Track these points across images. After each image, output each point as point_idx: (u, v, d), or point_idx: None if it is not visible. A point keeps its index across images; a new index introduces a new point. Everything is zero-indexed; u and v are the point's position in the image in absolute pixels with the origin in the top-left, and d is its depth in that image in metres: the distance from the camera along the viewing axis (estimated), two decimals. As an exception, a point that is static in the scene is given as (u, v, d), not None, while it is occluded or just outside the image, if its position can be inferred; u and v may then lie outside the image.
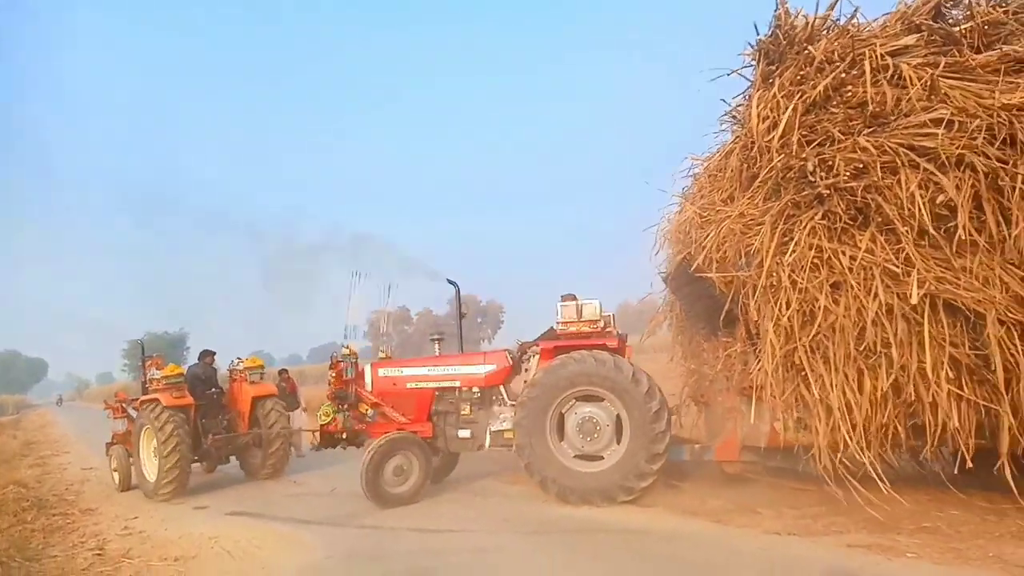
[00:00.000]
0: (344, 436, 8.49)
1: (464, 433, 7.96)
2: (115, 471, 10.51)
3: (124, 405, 11.12)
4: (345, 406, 8.78)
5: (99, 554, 6.49)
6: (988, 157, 5.16)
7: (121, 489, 10.21)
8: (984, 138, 5.19)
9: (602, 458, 7.08)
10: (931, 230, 5.29)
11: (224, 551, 6.23)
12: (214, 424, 10.16)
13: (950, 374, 5.31)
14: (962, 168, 5.22)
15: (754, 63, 6.65)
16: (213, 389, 10.54)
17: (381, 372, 8.50)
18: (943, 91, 5.45)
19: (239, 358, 10.94)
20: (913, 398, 5.47)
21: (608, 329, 7.61)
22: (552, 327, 7.81)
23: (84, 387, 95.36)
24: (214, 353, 11.04)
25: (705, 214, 6.98)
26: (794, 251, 5.72)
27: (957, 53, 5.68)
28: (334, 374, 9.18)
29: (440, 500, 7.74)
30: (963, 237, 5.16)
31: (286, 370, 14.27)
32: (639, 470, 6.83)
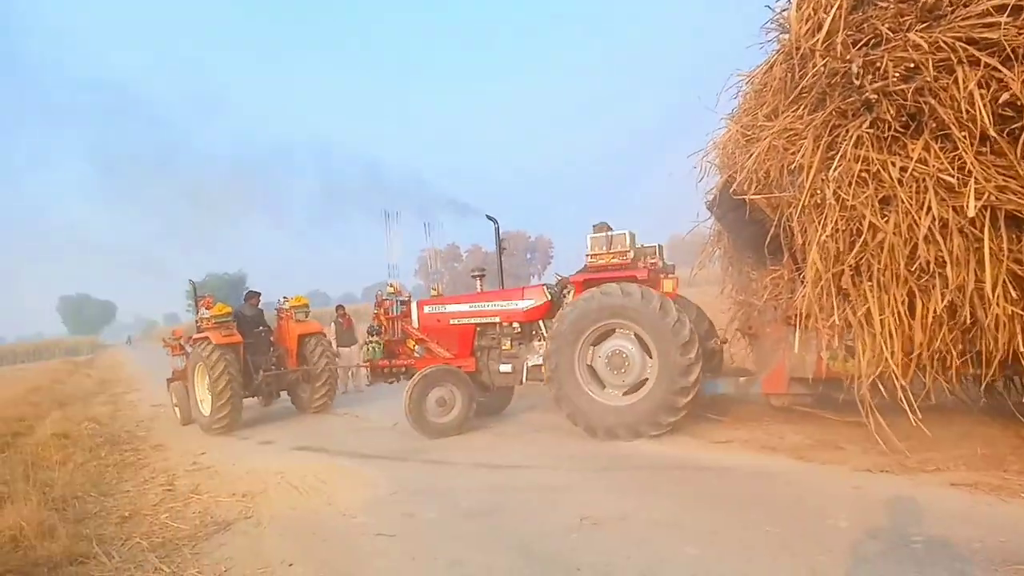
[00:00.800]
0: (390, 370, 8.73)
1: (506, 368, 8.03)
2: (176, 406, 11.02)
3: (181, 343, 11.64)
4: (380, 338, 9.14)
5: (169, 489, 6.59)
6: None
7: (183, 423, 10.65)
8: None
9: (631, 391, 6.95)
10: (992, 134, 4.70)
11: (290, 486, 6.26)
12: (263, 361, 10.41)
13: (1012, 293, 4.81)
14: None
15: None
16: (260, 327, 10.80)
17: (426, 309, 8.72)
18: None
19: (285, 297, 11.14)
20: (970, 321, 5.00)
21: (642, 260, 7.41)
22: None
23: (152, 327, 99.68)
24: (259, 294, 11.34)
25: (748, 132, 6.45)
26: (839, 164, 5.23)
27: None
28: (381, 311, 9.45)
29: (503, 435, 7.67)
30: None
31: (342, 307, 14.36)
32: (668, 403, 6.67)
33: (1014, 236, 4.84)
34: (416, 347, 8.86)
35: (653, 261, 7.60)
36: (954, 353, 5.21)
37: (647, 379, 6.86)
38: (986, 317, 4.91)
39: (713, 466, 5.75)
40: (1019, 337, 4.89)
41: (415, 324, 8.75)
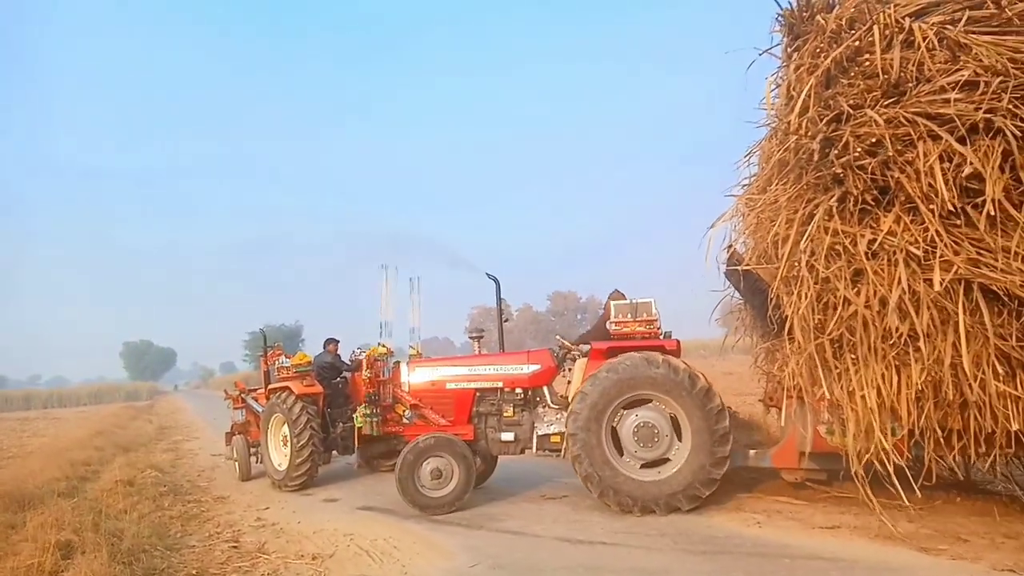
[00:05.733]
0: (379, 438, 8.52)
1: (507, 436, 7.61)
2: (235, 461, 10.53)
3: (243, 396, 11.12)
4: (377, 409, 8.73)
5: (235, 546, 6.42)
6: (1021, 119, 4.53)
7: (242, 479, 10.23)
8: (1015, 97, 4.57)
9: (661, 465, 6.70)
10: (957, 207, 4.72)
11: (361, 550, 6.02)
12: (341, 413, 9.80)
13: (1000, 370, 4.70)
14: (991, 134, 4.62)
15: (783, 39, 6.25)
16: (339, 377, 10.34)
17: (418, 371, 8.16)
18: (970, 48, 4.85)
19: (359, 348, 10.40)
20: (952, 397, 4.90)
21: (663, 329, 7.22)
22: (602, 326, 7.46)
23: (208, 376, 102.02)
24: (337, 341, 10.80)
25: (747, 205, 6.49)
26: (811, 237, 5.31)
27: (992, 4, 5.00)
28: (370, 374, 9.05)
29: (577, 506, 7.17)
30: (992, 212, 4.54)
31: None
32: (705, 475, 6.44)
33: (996, 310, 4.75)
34: (407, 412, 8.22)
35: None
36: (939, 432, 5.10)
37: (675, 452, 6.64)
38: (972, 394, 4.80)
39: (827, 556, 5.17)
40: (1016, 417, 4.74)
41: (405, 388, 8.16)
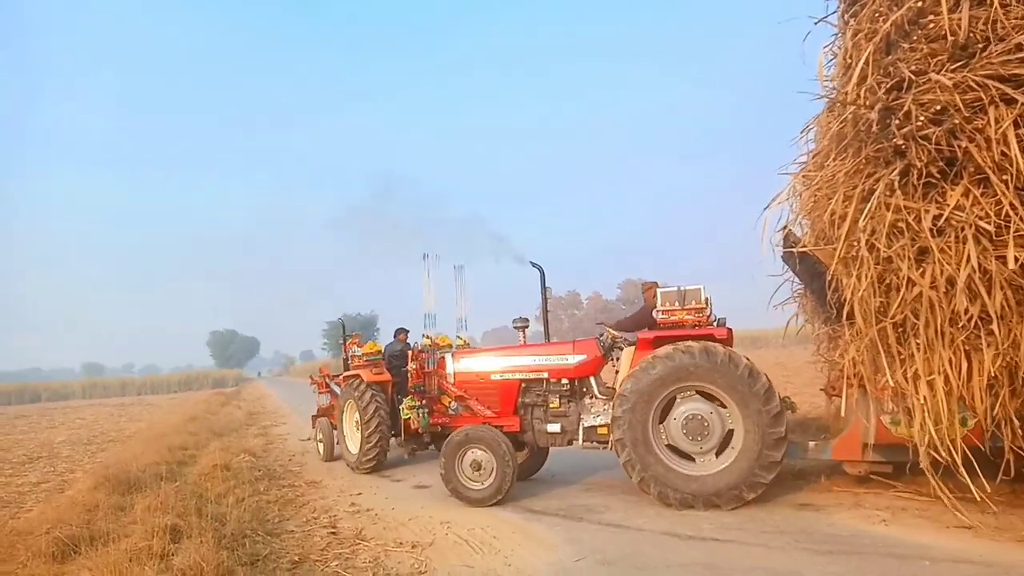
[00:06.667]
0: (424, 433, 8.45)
1: (553, 427, 7.39)
2: (320, 442, 11.08)
3: (327, 380, 11.67)
4: (423, 401, 8.71)
5: (333, 532, 6.40)
6: None
7: (325, 459, 10.75)
8: None
9: (708, 460, 6.39)
10: None
11: (460, 539, 5.88)
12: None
13: None
14: None
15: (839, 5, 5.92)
16: (408, 365, 10.35)
17: (464, 362, 8.05)
18: None
19: (427, 336, 10.70)
20: None
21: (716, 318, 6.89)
22: (646, 315, 7.23)
23: (290, 363, 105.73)
24: (407, 330, 11.00)
25: (804, 182, 6.12)
26: (870, 214, 4.97)
27: None
28: (415, 366, 9.13)
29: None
30: None
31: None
32: (753, 478, 6.09)
33: None
34: (452, 404, 8.18)
35: (708, 313, 6.98)
36: (1016, 421, 4.74)
37: (726, 448, 6.32)
38: None
39: (973, 559, 4.64)
40: None
41: (451, 379, 8.07)
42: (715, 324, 6.86)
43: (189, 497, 7.04)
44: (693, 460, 6.43)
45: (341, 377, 10.90)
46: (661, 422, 6.52)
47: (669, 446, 6.48)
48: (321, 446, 11.00)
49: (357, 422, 9.55)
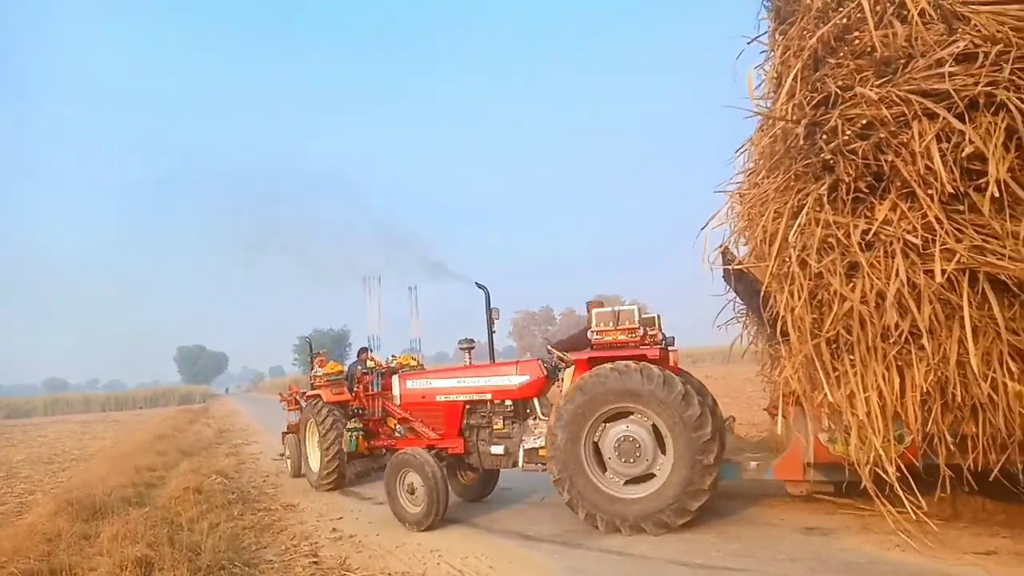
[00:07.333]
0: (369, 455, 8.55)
1: (497, 449, 7.26)
2: (287, 458, 11.28)
3: (297, 398, 11.78)
4: (361, 424, 8.81)
5: (315, 562, 6.06)
6: None
7: (292, 475, 10.95)
8: (1018, 69, 4.20)
9: (647, 480, 6.24)
10: (959, 190, 4.35)
11: (453, 569, 5.62)
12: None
13: (1012, 368, 4.31)
14: (992, 110, 4.23)
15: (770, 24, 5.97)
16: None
17: (409, 384, 8.03)
18: (968, 19, 4.47)
19: (394, 355, 10.77)
20: (961, 398, 4.51)
21: (652, 336, 6.80)
22: (583, 335, 7.09)
23: (259, 379, 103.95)
24: (369, 349, 10.99)
25: (740, 200, 6.12)
26: (799, 229, 4.96)
27: None
28: (359, 388, 9.21)
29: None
30: (996, 194, 4.15)
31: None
32: (691, 488, 5.93)
33: (1005, 302, 4.35)
34: (398, 426, 8.17)
35: (653, 333, 6.97)
36: (949, 437, 4.70)
37: (660, 466, 6.17)
38: (982, 393, 4.41)
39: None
40: None
41: (397, 400, 8.04)
42: (664, 344, 6.81)
43: (160, 524, 6.58)
44: (629, 482, 6.29)
45: (306, 396, 10.96)
46: (596, 443, 6.39)
47: (602, 467, 6.35)
48: (289, 462, 11.18)
49: (318, 441, 9.63)
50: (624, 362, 6.25)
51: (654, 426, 6.18)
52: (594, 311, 6.83)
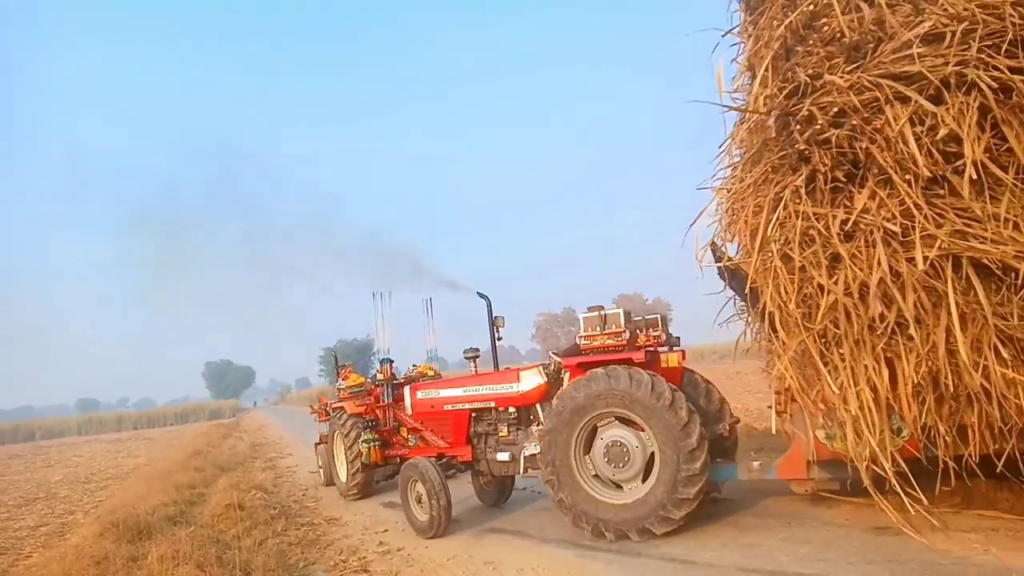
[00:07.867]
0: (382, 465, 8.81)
1: (504, 456, 7.36)
2: (320, 468, 11.71)
3: (327, 409, 12.12)
4: (376, 435, 9.06)
5: None
6: (997, 69, 4.01)
7: (324, 484, 11.34)
8: (987, 46, 4.07)
9: (633, 487, 6.19)
10: (935, 173, 4.23)
11: None
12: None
13: (1005, 355, 4.17)
14: (964, 90, 4.11)
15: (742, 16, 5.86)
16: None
17: (420, 395, 8.24)
18: None
19: (414, 365, 11.09)
20: (954, 388, 4.38)
21: (643, 336, 6.78)
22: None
23: (286, 391, 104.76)
24: (392, 361, 11.01)
25: (726, 195, 5.95)
26: (779, 222, 4.87)
27: None
28: (371, 400, 9.48)
29: (741, 526, 6.23)
30: (975, 176, 4.03)
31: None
32: (676, 495, 5.83)
33: (991, 287, 4.23)
34: (410, 436, 8.41)
35: (656, 334, 6.90)
36: (945, 428, 4.57)
37: (650, 472, 6.10)
38: (973, 381, 4.26)
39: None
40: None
41: (409, 411, 8.29)
42: (668, 346, 6.81)
43: (207, 543, 6.50)
44: (620, 488, 6.26)
45: (333, 407, 11.38)
46: (590, 447, 6.39)
47: (599, 476, 6.33)
48: (321, 472, 11.66)
49: (344, 452, 9.88)
50: (614, 366, 6.23)
51: (633, 424, 6.16)
52: (581, 316, 6.84)
